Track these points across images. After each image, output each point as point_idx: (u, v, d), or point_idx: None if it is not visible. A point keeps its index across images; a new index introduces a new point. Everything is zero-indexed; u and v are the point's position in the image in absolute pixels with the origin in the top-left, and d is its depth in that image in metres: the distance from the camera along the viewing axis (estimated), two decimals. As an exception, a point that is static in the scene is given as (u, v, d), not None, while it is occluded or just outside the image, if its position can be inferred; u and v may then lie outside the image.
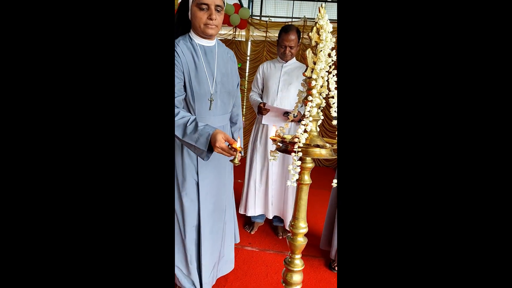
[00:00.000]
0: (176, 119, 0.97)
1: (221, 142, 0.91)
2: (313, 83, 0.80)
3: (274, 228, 2.04)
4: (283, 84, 1.82)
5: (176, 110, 0.99)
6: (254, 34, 4.50)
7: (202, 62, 1.07)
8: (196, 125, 0.95)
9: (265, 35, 4.39)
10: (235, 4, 3.94)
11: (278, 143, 0.86)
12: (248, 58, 4.53)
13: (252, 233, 1.99)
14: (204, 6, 0.99)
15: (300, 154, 0.76)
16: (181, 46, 1.05)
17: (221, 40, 4.38)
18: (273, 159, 0.89)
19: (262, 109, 1.77)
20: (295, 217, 0.88)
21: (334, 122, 0.85)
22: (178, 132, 0.97)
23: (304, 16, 4.29)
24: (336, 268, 1.61)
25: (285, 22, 4.50)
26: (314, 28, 0.80)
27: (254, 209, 1.93)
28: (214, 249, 1.22)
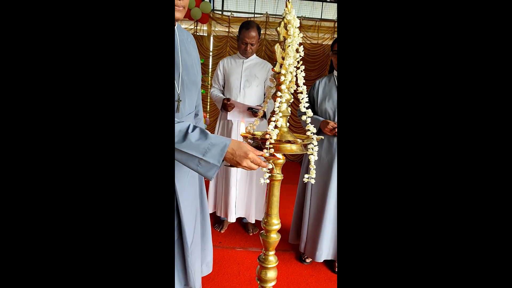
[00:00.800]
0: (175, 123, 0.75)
1: (253, 154, 0.74)
2: (282, 78, 0.79)
3: (243, 225, 2.03)
4: (245, 79, 1.80)
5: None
6: (216, 29, 4.42)
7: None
8: (204, 133, 0.74)
9: (227, 30, 4.33)
10: (195, -2, 3.82)
11: (249, 140, 0.84)
12: (210, 53, 4.44)
13: (222, 231, 1.96)
14: None
15: (272, 150, 0.76)
16: None
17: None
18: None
19: (226, 105, 1.73)
20: (267, 214, 0.88)
21: (304, 118, 0.85)
22: (178, 138, 0.74)
23: (266, 12, 4.31)
24: (307, 260, 1.65)
25: (248, 17, 4.48)
26: (282, 23, 0.80)
27: (220, 210, 1.90)
28: (199, 256, 1.15)
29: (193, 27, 4.24)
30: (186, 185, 1.00)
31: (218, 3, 4.91)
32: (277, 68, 0.80)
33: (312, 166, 0.83)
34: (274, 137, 0.76)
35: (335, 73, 1.54)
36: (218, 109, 1.89)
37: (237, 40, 1.82)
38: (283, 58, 0.80)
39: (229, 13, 4.49)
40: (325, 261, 1.64)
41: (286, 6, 0.80)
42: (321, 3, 4.82)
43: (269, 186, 0.86)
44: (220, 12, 4.78)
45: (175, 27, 0.93)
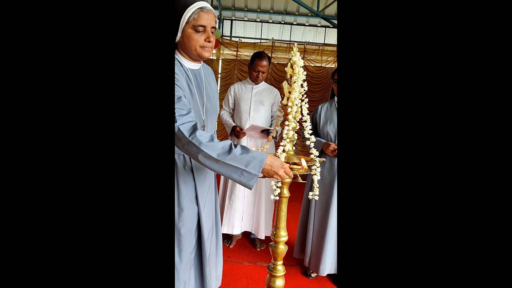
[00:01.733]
0: (215, 141, 0.84)
1: (286, 166, 0.85)
2: (289, 109, 0.94)
3: (251, 240, 2.12)
4: (254, 104, 1.97)
5: (209, 133, 0.88)
6: (224, 53, 4.67)
7: (194, 87, 1.03)
8: (245, 148, 0.85)
9: (235, 54, 4.58)
10: (206, 25, 4.09)
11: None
12: (219, 76, 4.67)
13: (230, 246, 2.05)
14: (201, 28, 0.93)
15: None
16: (176, 70, 0.97)
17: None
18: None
19: (239, 133, 1.90)
20: (276, 227, 0.99)
21: (308, 143, 0.99)
22: (219, 154, 0.82)
23: (272, 38, 4.57)
24: (312, 275, 1.73)
25: (255, 42, 4.74)
26: (289, 64, 0.95)
27: (226, 226, 2.00)
28: (214, 267, 1.23)
29: (203, 51, 4.48)
30: (207, 201, 1.13)
31: (227, 29, 5.22)
32: (284, 101, 0.94)
33: (316, 185, 0.95)
34: (282, 159, 0.89)
35: (336, 99, 1.68)
36: (227, 132, 2.04)
37: (249, 68, 1.99)
38: (289, 93, 0.95)
39: (237, 39, 4.76)
40: (330, 275, 1.72)
41: (292, 50, 0.95)
42: (324, 28, 5.08)
43: (278, 203, 0.98)
44: (228, 38, 5.06)
45: (200, 64, 1.08)
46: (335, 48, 4.54)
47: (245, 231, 2.07)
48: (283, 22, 5.07)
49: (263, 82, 2.04)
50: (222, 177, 2.05)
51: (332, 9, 4.39)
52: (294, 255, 1.80)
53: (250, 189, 0.86)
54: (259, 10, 4.82)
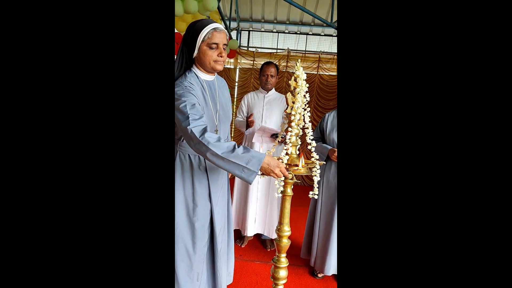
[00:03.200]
0: (221, 141, 0.97)
1: (282, 165, 0.97)
2: (292, 117, 1.06)
3: (262, 241, 2.23)
4: (266, 112, 2.11)
5: (217, 135, 1.01)
6: (241, 62, 4.86)
7: (208, 96, 1.18)
8: (247, 148, 0.98)
9: (252, 63, 4.75)
10: (224, 36, 4.31)
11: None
12: (236, 84, 4.85)
13: (242, 246, 2.16)
14: (214, 46, 1.11)
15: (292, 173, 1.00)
16: (192, 81, 1.13)
17: (211, 68, 4.64)
18: (262, 176, 1.12)
19: (248, 121, 2.04)
20: (280, 223, 1.10)
21: (309, 147, 1.10)
22: (223, 152, 0.95)
23: (288, 47, 4.72)
24: (319, 275, 1.80)
25: (271, 52, 4.90)
26: (293, 77, 1.07)
27: (240, 226, 2.13)
28: (225, 263, 1.34)
29: (221, 61, 4.69)
30: (220, 199, 1.26)
31: (244, 39, 5.43)
32: (288, 110, 1.06)
33: (315, 185, 1.06)
34: (285, 161, 1.00)
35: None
36: (243, 132, 2.18)
37: (259, 75, 2.15)
38: (293, 103, 1.07)
39: (254, 49, 4.95)
40: (335, 276, 1.79)
41: (296, 65, 1.08)
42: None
43: (282, 201, 1.09)
44: (246, 48, 5.26)
45: (214, 76, 1.24)
46: (349, 57, 4.61)
47: (256, 233, 2.18)
48: (298, 32, 5.21)
49: (274, 90, 2.18)
50: (236, 181, 2.18)
51: (347, 19, 4.49)
52: (301, 255, 1.89)
53: (250, 183, 0.99)
54: (275, 21, 4.99)
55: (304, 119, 1.08)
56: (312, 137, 1.08)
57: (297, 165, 1.02)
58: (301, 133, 1.09)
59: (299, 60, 1.08)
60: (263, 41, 5.46)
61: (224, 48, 1.13)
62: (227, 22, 4.26)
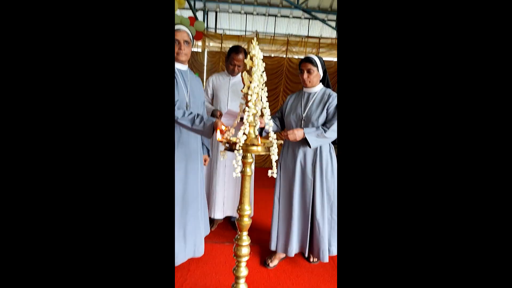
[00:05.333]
0: (186, 115, 1.36)
1: (219, 125, 1.25)
2: (249, 97, 1.05)
3: (232, 223, 2.26)
4: (232, 95, 2.08)
5: (183, 110, 1.39)
6: (210, 46, 4.72)
7: (181, 81, 1.53)
8: (202, 118, 1.36)
9: (220, 46, 4.64)
10: (190, 18, 4.14)
11: (226, 144, 1.09)
12: (205, 68, 4.73)
13: (212, 229, 2.18)
14: (176, 42, 1.49)
15: (241, 151, 1.01)
16: None
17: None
18: (223, 158, 1.12)
19: (218, 115, 2.02)
20: (240, 202, 1.12)
21: (266, 127, 1.11)
22: (187, 123, 1.35)
23: (256, 30, 4.65)
24: (279, 257, 1.81)
25: (239, 35, 4.80)
26: (248, 56, 1.06)
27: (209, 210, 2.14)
28: (182, 229, 1.51)
29: (188, 43, 4.52)
30: (189, 168, 1.54)
31: (211, 21, 5.26)
32: (245, 90, 1.06)
33: (273, 164, 1.08)
34: (242, 141, 1.01)
35: (304, 89, 1.79)
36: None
37: (226, 61, 2.09)
38: (250, 82, 1.06)
39: (222, 31, 4.82)
40: (301, 254, 1.86)
41: (252, 43, 1.06)
42: (307, 20, 5.18)
43: (242, 180, 1.10)
44: (213, 30, 5.10)
45: (187, 66, 1.60)
46: (317, 40, 4.65)
47: (227, 216, 2.20)
48: (267, 14, 5.14)
49: (240, 73, 2.14)
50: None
51: (315, 2, 4.47)
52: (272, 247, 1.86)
53: (209, 138, 1.33)
54: (243, 2, 4.87)
55: (261, 99, 1.08)
56: (269, 117, 1.09)
57: (255, 145, 1.03)
58: (259, 114, 1.09)
59: (254, 38, 1.07)
60: (231, 23, 5.33)
61: (186, 44, 1.52)
62: (192, 2, 4.08)
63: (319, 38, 4.71)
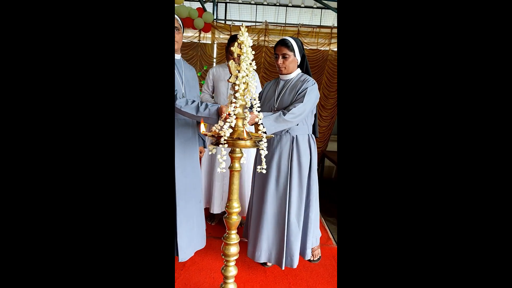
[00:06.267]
0: (189, 103, 1.32)
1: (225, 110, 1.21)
2: (237, 88, 0.98)
3: (233, 218, 2.22)
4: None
5: (186, 99, 1.35)
6: (220, 37, 4.65)
7: (177, 71, 1.48)
8: (206, 105, 1.33)
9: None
10: (198, 9, 4.07)
11: (212, 137, 1.03)
12: (214, 60, 4.67)
13: (212, 224, 2.15)
14: None
15: (226, 145, 0.94)
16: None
17: (187, 42, 4.41)
18: (211, 152, 1.06)
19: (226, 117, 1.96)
20: (229, 199, 1.06)
21: (256, 119, 1.03)
22: (192, 111, 1.30)
23: (266, 20, 4.52)
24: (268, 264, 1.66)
25: (248, 26, 4.69)
26: (236, 44, 0.99)
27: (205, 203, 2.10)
28: (192, 223, 1.51)
29: (197, 35, 4.48)
30: (187, 165, 1.50)
31: (221, 12, 5.17)
32: (232, 79, 0.99)
33: (263, 159, 1.01)
34: (227, 134, 0.94)
35: (280, 76, 1.56)
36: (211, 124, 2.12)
37: (226, 52, 2.01)
38: (238, 71, 0.99)
39: (230, 22, 4.72)
40: (264, 264, 1.65)
41: (240, 30, 0.99)
42: (320, 10, 5.00)
43: (230, 176, 1.04)
44: (223, 21, 5.02)
45: (180, 56, 1.53)
46: (329, 30, 4.47)
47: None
48: (278, 4, 4.98)
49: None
50: (203, 160, 2.11)
51: (327, -10, 4.29)
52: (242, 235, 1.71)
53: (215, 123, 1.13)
54: (253, -8, 4.73)
55: (251, 90, 1.01)
56: (259, 109, 1.02)
57: (242, 139, 0.96)
58: (248, 105, 1.02)
59: (243, 25, 0.99)
60: (242, 13, 5.22)
61: (176, 30, 1.40)
62: (200, -7, 4.01)
63: (331, 28, 4.53)
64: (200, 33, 4.48)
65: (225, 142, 0.94)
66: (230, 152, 1.02)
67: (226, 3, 5.10)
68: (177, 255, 1.47)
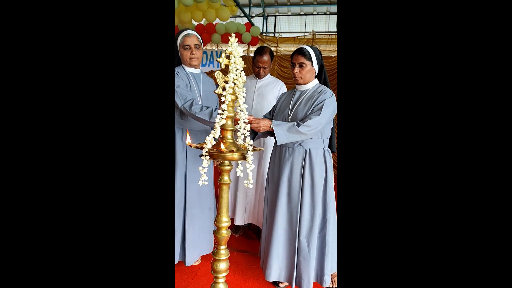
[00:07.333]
0: (203, 110, 1.35)
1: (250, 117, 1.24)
2: (223, 99, 0.96)
3: (257, 232, 2.16)
4: (257, 98, 1.98)
5: (200, 105, 1.39)
6: (268, 49, 4.72)
7: (194, 84, 1.57)
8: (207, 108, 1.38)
9: (275, 49, 4.59)
10: (246, 24, 4.22)
11: (197, 148, 1.02)
12: (261, 72, 4.75)
13: (236, 236, 2.13)
14: (187, 47, 1.53)
15: (208, 157, 0.92)
16: (179, 71, 1.56)
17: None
18: (208, 163, 1.04)
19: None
20: (218, 213, 1.03)
21: (243, 131, 0.99)
22: (205, 117, 1.34)
23: (313, 30, 4.43)
24: (281, 285, 1.53)
25: (295, 37, 4.66)
26: (223, 54, 0.97)
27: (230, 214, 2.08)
28: (198, 228, 1.58)
29: (246, 48, 4.64)
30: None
31: (271, 25, 5.26)
32: (218, 91, 0.97)
33: (249, 174, 0.96)
34: (209, 146, 0.92)
35: (296, 86, 1.48)
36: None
37: (252, 64, 2.02)
38: (226, 82, 0.97)
39: (277, 35, 4.77)
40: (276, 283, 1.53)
41: (230, 40, 0.97)
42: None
43: (219, 189, 1.01)
44: (272, 34, 5.10)
45: (199, 70, 1.63)
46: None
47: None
48: (328, 12, 4.85)
49: (269, 75, 2.04)
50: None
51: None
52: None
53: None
54: (302, 3, 4.71)
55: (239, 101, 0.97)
56: (247, 121, 0.98)
57: (221, 151, 0.93)
58: (239, 116, 0.98)
59: (233, 35, 0.97)
60: (291, 25, 5.22)
61: (197, 47, 1.53)
62: (246, 9, 4.15)
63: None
64: (248, 47, 4.63)
65: (207, 154, 0.92)
66: (220, 165, 0.99)
67: (275, 16, 5.18)
68: (184, 259, 1.55)
